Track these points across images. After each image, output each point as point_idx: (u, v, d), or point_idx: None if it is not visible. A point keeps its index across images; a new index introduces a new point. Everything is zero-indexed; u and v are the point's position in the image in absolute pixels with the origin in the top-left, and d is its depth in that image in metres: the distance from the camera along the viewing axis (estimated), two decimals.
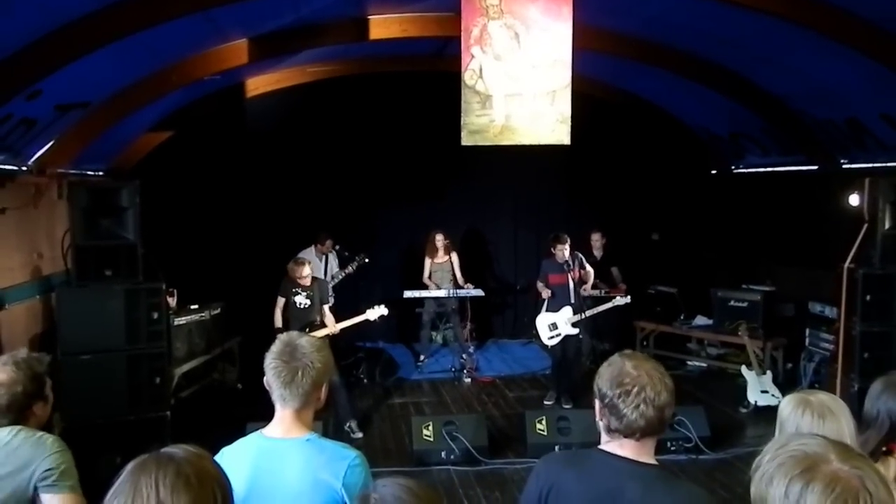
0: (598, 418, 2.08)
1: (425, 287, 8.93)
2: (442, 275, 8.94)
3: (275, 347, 2.26)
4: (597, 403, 2.07)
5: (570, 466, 2.12)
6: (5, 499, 2.40)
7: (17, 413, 2.57)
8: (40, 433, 2.56)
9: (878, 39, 5.47)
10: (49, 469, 2.45)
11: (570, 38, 6.12)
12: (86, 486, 2.56)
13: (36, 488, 2.44)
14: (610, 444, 2.05)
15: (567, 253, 7.50)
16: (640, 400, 1.95)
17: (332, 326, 6.77)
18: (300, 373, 2.20)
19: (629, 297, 7.97)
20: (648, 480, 1.97)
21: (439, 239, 8.86)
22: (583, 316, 7.55)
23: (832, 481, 1.26)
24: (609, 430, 2.03)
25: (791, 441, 1.38)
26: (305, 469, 2.17)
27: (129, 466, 1.49)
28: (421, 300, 9.10)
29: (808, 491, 1.26)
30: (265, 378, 2.26)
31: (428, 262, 9.00)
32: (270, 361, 2.24)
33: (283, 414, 2.26)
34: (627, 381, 1.97)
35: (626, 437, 2.00)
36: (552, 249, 7.59)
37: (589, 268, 7.94)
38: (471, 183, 10.09)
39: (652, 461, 2.03)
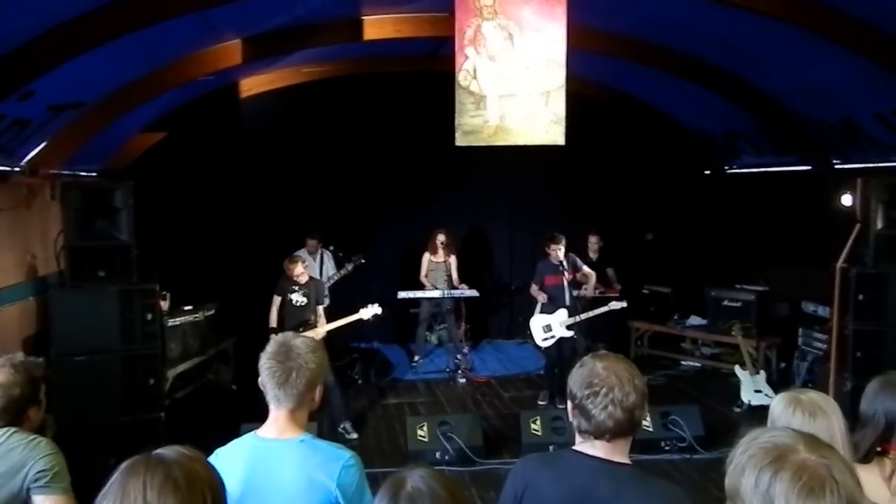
0: (570, 418, 2.10)
1: (422, 285, 8.94)
2: (438, 274, 8.94)
3: (269, 348, 2.26)
4: (568, 404, 2.09)
5: (544, 466, 2.14)
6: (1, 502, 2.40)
7: (12, 416, 2.57)
8: (33, 435, 2.57)
9: (871, 39, 5.49)
10: (42, 470, 2.45)
11: (564, 38, 6.12)
12: (80, 488, 2.56)
13: (28, 490, 2.43)
14: (583, 445, 2.07)
15: (562, 253, 7.49)
16: (609, 401, 1.96)
17: (321, 328, 6.75)
18: (294, 373, 2.20)
19: (625, 302, 7.95)
20: (621, 479, 1.99)
21: (440, 238, 8.84)
22: (578, 318, 7.54)
23: (800, 470, 1.29)
24: (580, 431, 2.06)
25: (762, 434, 1.42)
26: (300, 470, 2.17)
27: (120, 468, 1.50)
28: (416, 300, 9.10)
29: (776, 479, 1.30)
30: (260, 378, 2.26)
31: (426, 257, 8.99)
32: (265, 362, 2.24)
33: (278, 415, 2.25)
34: (596, 383, 1.99)
35: (596, 437, 2.01)
36: (547, 249, 7.59)
37: (587, 269, 7.94)
38: (466, 184, 10.10)
39: (625, 461, 2.04)
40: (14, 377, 2.58)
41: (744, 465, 1.37)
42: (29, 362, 2.69)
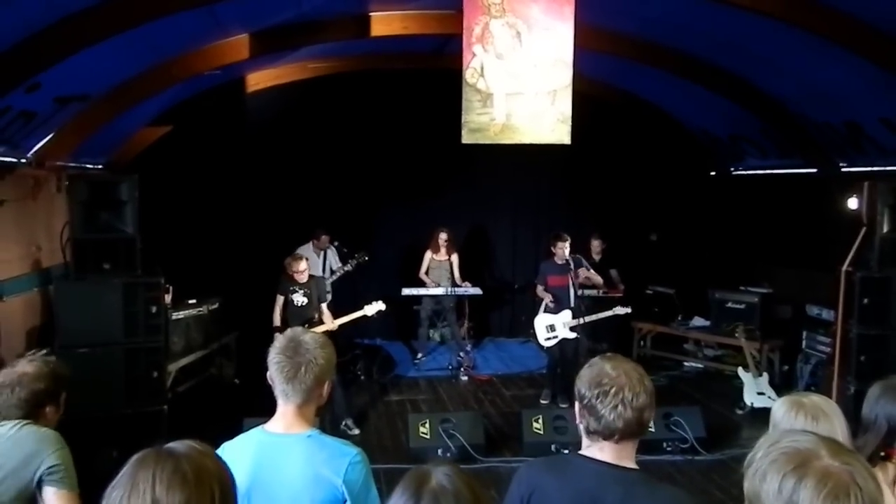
0: (577, 420, 2.09)
1: (422, 282, 8.93)
2: (440, 273, 8.94)
3: (278, 343, 2.27)
4: (577, 405, 2.08)
5: (550, 471, 2.13)
6: (12, 493, 2.42)
7: (31, 409, 2.63)
8: (44, 428, 2.61)
9: (877, 42, 5.47)
10: (57, 465, 2.49)
11: (572, 37, 6.11)
12: (82, 480, 2.58)
13: (40, 481, 2.46)
14: (590, 449, 2.06)
15: (567, 252, 7.49)
16: (618, 401, 1.96)
17: (331, 323, 6.75)
18: (303, 368, 2.21)
19: (630, 307, 7.88)
20: (629, 484, 1.98)
21: (442, 237, 8.84)
22: (582, 321, 7.51)
23: (824, 477, 1.30)
24: (588, 432, 2.04)
25: (783, 438, 1.42)
26: (306, 465, 2.18)
27: (131, 460, 1.50)
28: (419, 297, 9.11)
29: (801, 487, 1.30)
30: (268, 373, 2.27)
31: (428, 255, 8.99)
32: (274, 356, 2.24)
33: (285, 409, 2.26)
34: (606, 382, 1.98)
35: (604, 438, 2.00)
36: (552, 248, 7.59)
37: (592, 272, 7.91)
38: (470, 181, 10.09)
39: (633, 465, 2.03)
40: (42, 370, 2.69)
41: (765, 471, 1.37)
42: (59, 364, 2.86)
